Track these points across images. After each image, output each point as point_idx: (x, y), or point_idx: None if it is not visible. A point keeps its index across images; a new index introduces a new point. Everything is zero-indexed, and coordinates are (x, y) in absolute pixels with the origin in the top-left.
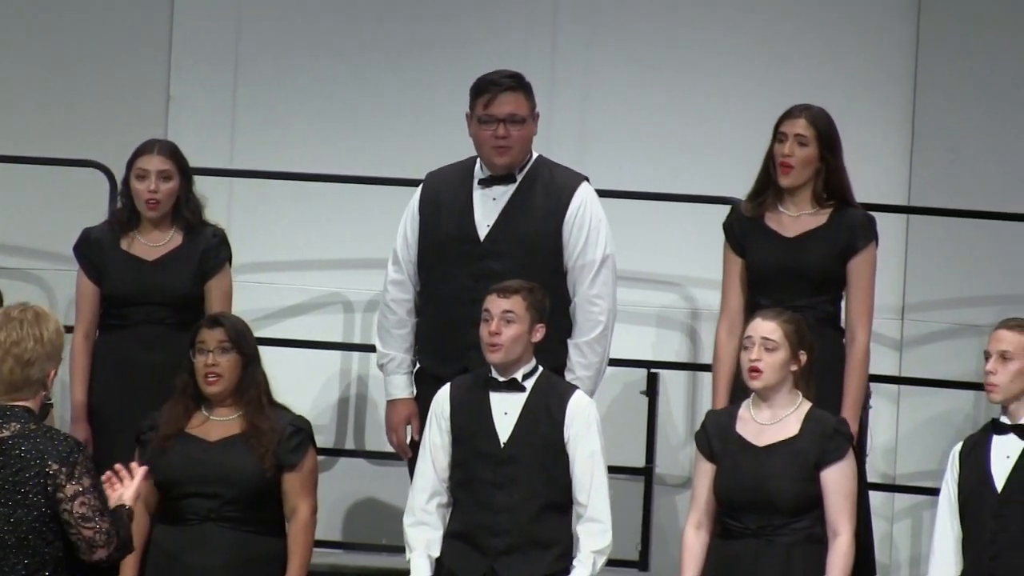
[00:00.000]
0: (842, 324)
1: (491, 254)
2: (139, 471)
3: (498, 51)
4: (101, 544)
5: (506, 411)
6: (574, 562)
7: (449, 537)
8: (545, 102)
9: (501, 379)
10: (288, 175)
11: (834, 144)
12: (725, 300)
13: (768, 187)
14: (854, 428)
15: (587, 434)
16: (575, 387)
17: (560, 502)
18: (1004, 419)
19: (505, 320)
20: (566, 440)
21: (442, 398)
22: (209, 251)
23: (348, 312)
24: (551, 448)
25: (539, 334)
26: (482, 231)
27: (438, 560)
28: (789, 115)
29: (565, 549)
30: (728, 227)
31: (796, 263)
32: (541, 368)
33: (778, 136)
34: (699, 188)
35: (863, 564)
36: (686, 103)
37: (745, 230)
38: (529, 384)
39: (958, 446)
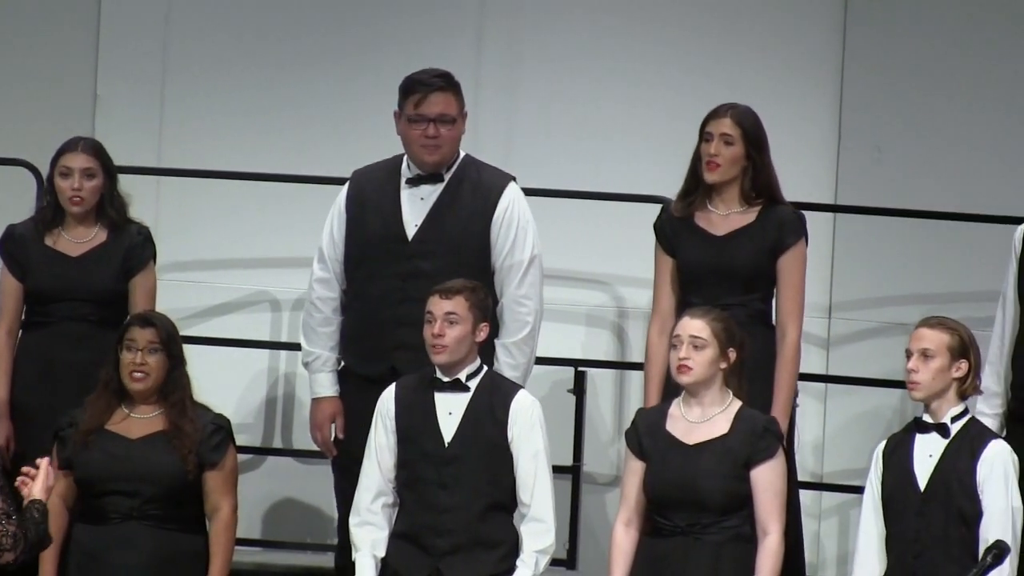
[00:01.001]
0: (773, 322)
1: (419, 254)
2: (43, 463)
3: (424, 50)
4: (7, 548)
5: (450, 411)
6: (517, 562)
7: (395, 537)
8: (471, 101)
9: (445, 379)
10: (215, 173)
11: (760, 142)
12: (657, 300)
13: (697, 187)
14: (784, 425)
15: (530, 434)
16: (519, 387)
17: (504, 502)
18: (926, 417)
19: (448, 321)
20: (510, 440)
21: (387, 398)
22: (133, 248)
23: (275, 311)
24: (495, 448)
25: (483, 333)
26: (410, 231)
27: (384, 560)
28: (715, 114)
29: (510, 549)
30: (658, 227)
31: (726, 262)
32: (486, 368)
33: (704, 136)
34: (626, 187)
35: (792, 563)
36: (613, 102)
37: (675, 230)
38: (473, 384)
39: (881, 444)
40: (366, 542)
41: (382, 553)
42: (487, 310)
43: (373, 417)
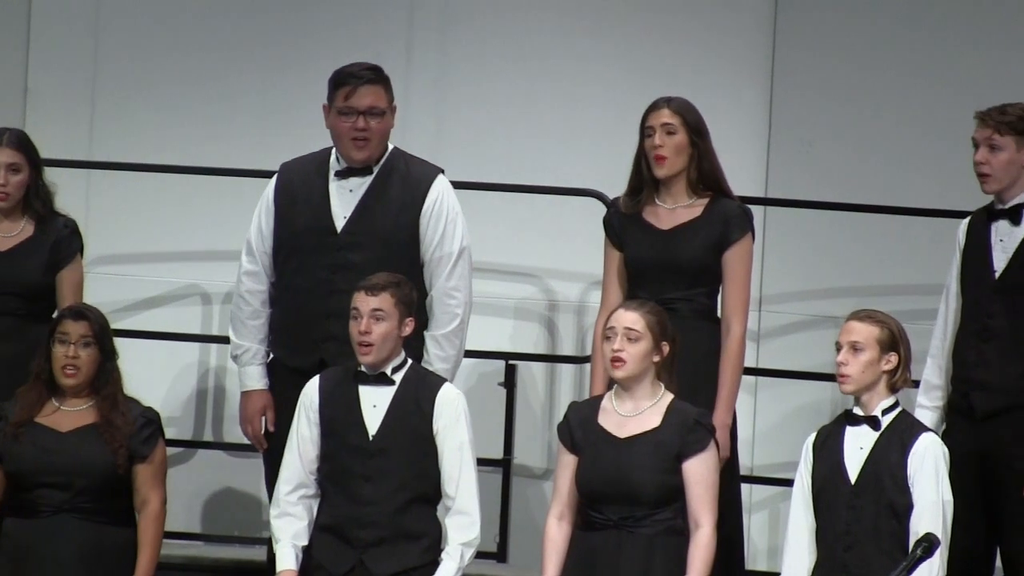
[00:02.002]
0: (719, 316)
1: (348, 246)
2: None
3: (353, 43)
4: None
5: (375, 404)
6: (442, 555)
7: (318, 530)
8: (401, 94)
9: (370, 372)
10: (146, 167)
11: (702, 129)
12: (605, 294)
13: (642, 186)
14: (729, 420)
15: (455, 427)
16: (444, 379)
17: (429, 494)
18: (857, 410)
19: (375, 318)
20: (435, 432)
21: (311, 390)
22: (60, 242)
23: (206, 304)
24: (420, 441)
25: (408, 328)
26: (339, 223)
27: (307, 552)
28: (653, 108)
29: (433, 541)
30: (607, 222)
31: (671, 256)
32: (410, 361)
33: (645, 131)
34: (556, 180)
35: (731, 556)
36: (542, 94)
37: (623, 224)
38: (398, 377)
39: (811, 437)
40: (287, 533)
41: (303, 543)
42: (412, 305)
43: (296, 409)
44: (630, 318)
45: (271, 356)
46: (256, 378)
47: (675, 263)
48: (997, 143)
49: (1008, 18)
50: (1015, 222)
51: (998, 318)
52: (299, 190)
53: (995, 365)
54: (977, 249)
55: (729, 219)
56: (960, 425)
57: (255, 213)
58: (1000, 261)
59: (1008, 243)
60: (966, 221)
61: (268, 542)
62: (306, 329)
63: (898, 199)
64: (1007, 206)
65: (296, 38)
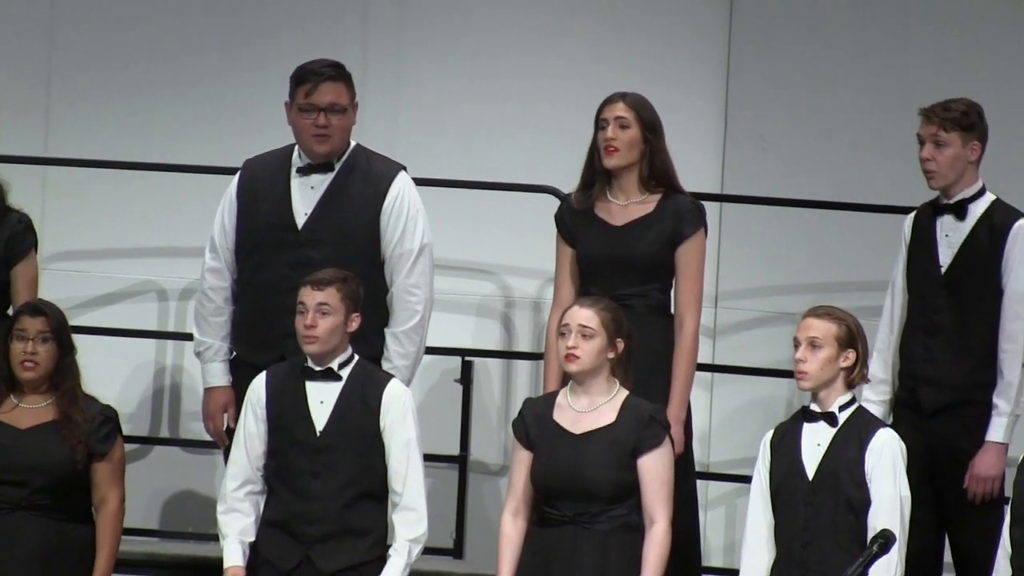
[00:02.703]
0: (673, 312)
1: (309, 243)
2: None
3: (311, 39)
4: None
5: (322, 400)
6: (390, 551)
7: (265, 525)
8: (357, 91)
9: (317, 368)
10: (102, 163)
11: (655, 126)
12: (557, 291)
13: (594, 179)
14: (683, 415)
15: (402, 423)
16: (391, 376)
17: (376, 491)
18: (814, 407)
19: (320, 312)
20: (381, 429)
21: (258, 387)
22: (14, 237)
23: (162, 300)
24: (367, 437)
25: (355, 323)
26: (300, 219)
27: (255, 548)
28: (608, 101)
29: (380, 537)
30: (559, 218)
31: (624, 252)
32: (357, 357)
33: (599, 123)
34: (514, 177)
35: (688, 552)
36: (501, 92)
37: (575, 220)
38: (345, 373)
39: (769, 434)
40: (234, 528)
41: (250, 539)
42: (359, 300)
43: (243, 405)
44: (584, 315)
45: (234, 353)
46: (219, 375)
47: (628, 259)
48: (942, 139)
49: (957, 16)
50: (960, 217)
51: (944, 313)
52: (261, 187)
53: (942, 360)
54: (923, 244)
55: (682, 215)
56: (907, 420)
57: (218, 210)
58: (946, 256)
59: (954, 238)
60: (911, 216)
61: None
62: (267, 326)
63: (853, 195)
64: (952, 201)
65: (253, 35)
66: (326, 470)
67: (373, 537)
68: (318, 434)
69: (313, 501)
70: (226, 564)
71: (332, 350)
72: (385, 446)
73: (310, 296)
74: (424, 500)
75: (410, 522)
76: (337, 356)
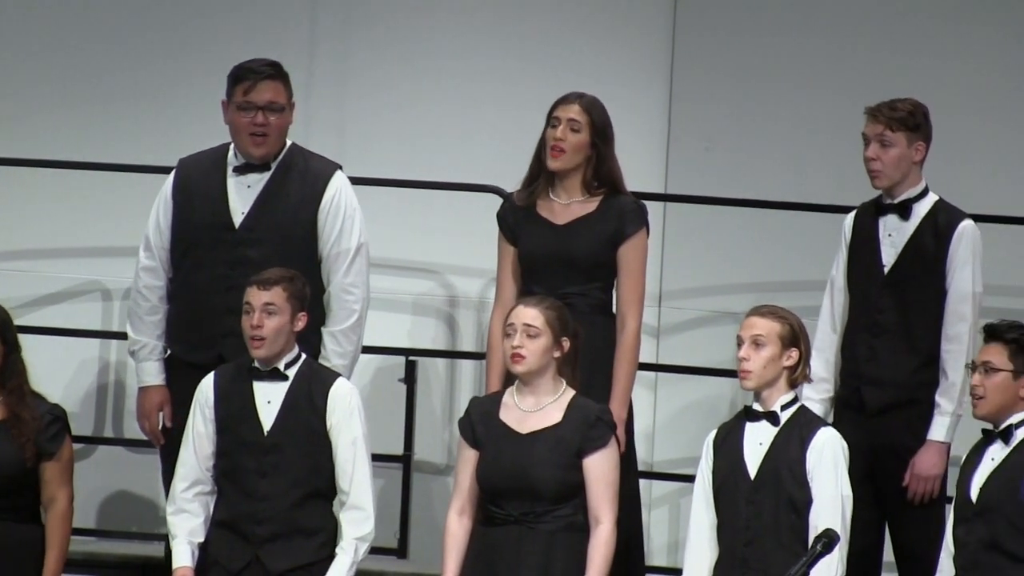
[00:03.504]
0: (614, 311)
1: (246, 242)
2: None
3: (254, 38)
4: None
5: (269, 400)
6: (337, 549)
7: (214, 526)
8: (302, 90)
9: (264, 368)
10: (44, 163)
11: (606, 133)
12: (499, 289)
13: (540, 174)
14: (624, 415)
15: (349, 422)
16: (337, 375)
17: (324, 490)
18: (756, 406)
19: (267, 312)
20: (328, 428)
21: (206, 387)
22: None
23: (106, 300)
24: (314, 436)
25: (301, 323)
26: (237, 219)
27: (204, 548)
28: (564, 100)
29: (329, 537)
30: (501, 216)
31: (566, 251)
32: (304, 356)
33: (551, 121)
34: (456, 176)
35: (631, 552)
36: (443, 92)
37: (517, 219)
38: (292, 373)
39: (712, 433)
40: (183, 529)
41: (199, 539)
42: (305, 300)
43: (191, 405)
44: (530, 314)
45: (168, 352)
46: (153, 374)
47: (570, 258)
48: (888, 139)
49: (900, 16)
50: (904, 217)
51: (888, 313)
52: (197, 186)
53: (886, 360)
54: (865, 243)
55: (624, 214)
56: (850, 419)
57: (153, 208)
58: (889, 256)
59: (897, 238)
60: (852, 215)
61: (167, 538)
62: (205, 325)
63: (796, 195)
64: (896, 201)
65: (197, 33)
66: (274, 470)
67: (322, 536)
68: (265, 434)
69: (261, 501)
70: (175, 565)
71: (279, 350)
72: (332, 445)
73: (256, 296)
74: (371, 498)
75: (357, 520)
76: (284, 356)
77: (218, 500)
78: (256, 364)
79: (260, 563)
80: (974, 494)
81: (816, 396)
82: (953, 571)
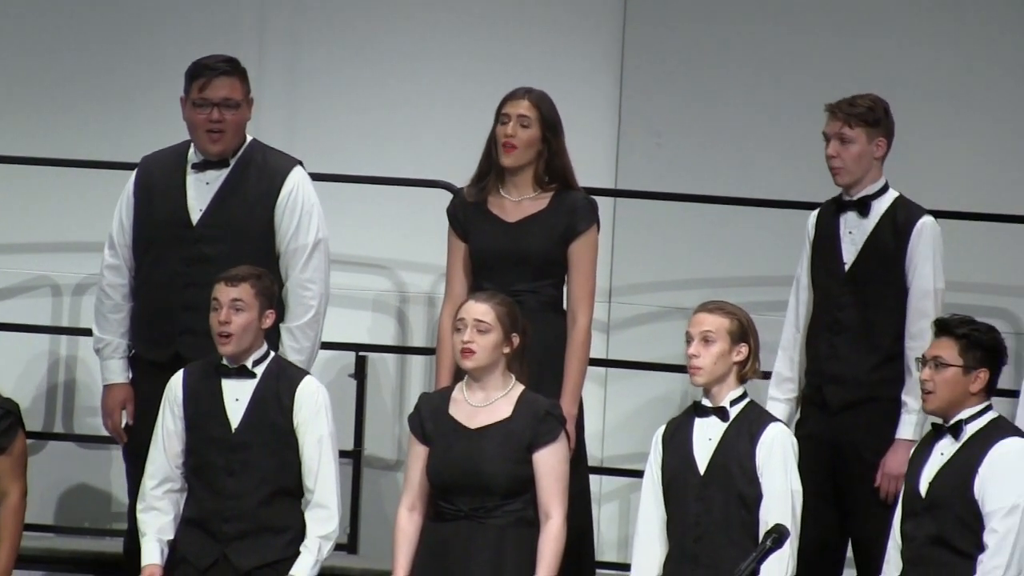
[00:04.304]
0: (565, 308)
1: (204, 239)
2: None
3: (208, 36)
4: None
5: (237, 397)
6: (300, 547)
7: (183, 523)
8: (253, 86)
9: (232, 366)
10: None
11: (556, 127)
12: (449, 285)
13: (490, 171)
14: (575, 411)
15: (315, 420)
16: (305, 372)
17: (292, 487)
18: (706, 401)
19: (234, 309)
20: (295, 426)
21: (175, 384)
22: None
23: (56, 295)
24: (281, 434)
25: (269, 320)
26: (195, 216)
27: (173, 545)
28: (512, 96)
29: (297, 534)
30: (451, 212)
31: (517, 248)
32: (273, 353)
33: (500, 118)
34: (410, 172)
35: (581, 547)
36: (393, 87)
37: (468, 215)
38: (260, 370)
39: (660, 429)
40: (152, 527)
41: (169, 537)
42: (273, 297)
43: (161, 403)
44: (480, 309)
45: (133, 350)
46: (117, 371)
47: (522, 255)
48: (848, 136)
49: (852, 11)
50: (863, 214)
51: (848, 310)
52: (157, 183)
53: (847, 357)
54: (827, 241)
55: (575, 210)
56: (814, 416)
57: (117, 206)
58: (849, 253)
59: (857, 235)
60: (815, 213)
61: (122, 534)
62: (162, 322)
63: (746, 190)
64: (855, 198)
65: (149, 29)
66: (242, 467)
67: (290, 534)
68: (233, 431)
69: (229, 499)
70: (143, 562)
71: (247, 347)
72: (299, 443)
73: (224, 292)
74: (336, 497)
75: (321, 519)
76: (252, 353)
77: (187, 497)
78: (224, 361)
79: (228, 561)
80: (923, 488)
81: (781, 396)
82: (900, 563)
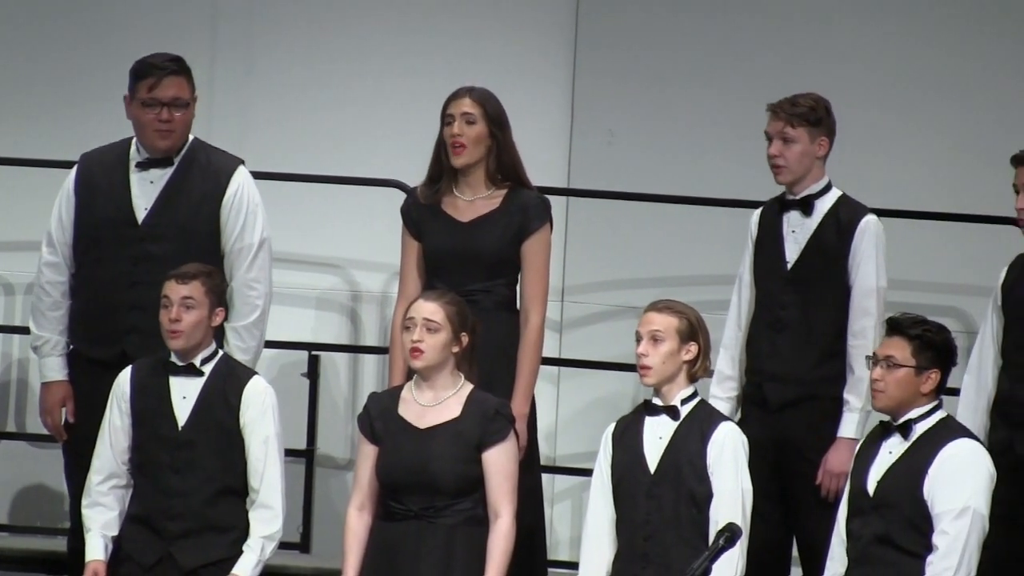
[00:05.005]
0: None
1: (149, 237)
2: None
3: (157, 34)
4: None
5: (184, 395)
6: (244, 547)
7: (128, 520)
8: (205, 84)
9: (180, 363)
10: None
11: (502, 121)
12: (403, 284)
13: (441, 174)
14: (527, 410)
15: (262, 420)
16: (254, 372)
17: (237, 487)
18: (656, 400)
19: (185, 306)
20: (241, 425)
21: (123, 380)
22: None
23: (8, 295)
24: (227, 433)
25: (219, 318)
26: (140, 214)
27: (117, 542)
28: (455, 96)
29: (241, 533)
30: (405, 212)
31: (471, 247)
32: (221, 352)
33: (445, 119)
34: (360, 171)
35: (533, 546)
36: (344, 86)
37: (421, 215)
38: (208, 369)
39: (610, 428)
40: (97, 522)
41: (113, 533)
42: (223, 295)
43: (108, 399)
44: (429, 308)
45: (71, 347)
46: (56, 369)
47: (475, 254)
48: (790, 135)
49: (802, 11)
50: (806, 213)
51: (790, 309)
52: (100, 181)
53: (788, 356)
54: (769, 240)
55: (527, 209)
56: (754, 415)
57: (55, 204)
58: (792, 252)
59: (800, 234)
60: (758, 212)
61: (69, 532)
62: (108, 321)
63: (699, 190)
64: (798, 197)
65: (98, 27)
66: (187, 466)
67: (235, 533)
68: (179, 429)
69: (174, 497)
70: (87, 558)
71: (196, 345)
72: (245, 442)
73: (174, 290)
74: (281, 498)
75: (265, 519)
76: (200, 351)
77: (132, 494)
78: (173, 359)
79: (172, 559)
80: (871, 487)
81: (723, 394)
82: (845, 559)
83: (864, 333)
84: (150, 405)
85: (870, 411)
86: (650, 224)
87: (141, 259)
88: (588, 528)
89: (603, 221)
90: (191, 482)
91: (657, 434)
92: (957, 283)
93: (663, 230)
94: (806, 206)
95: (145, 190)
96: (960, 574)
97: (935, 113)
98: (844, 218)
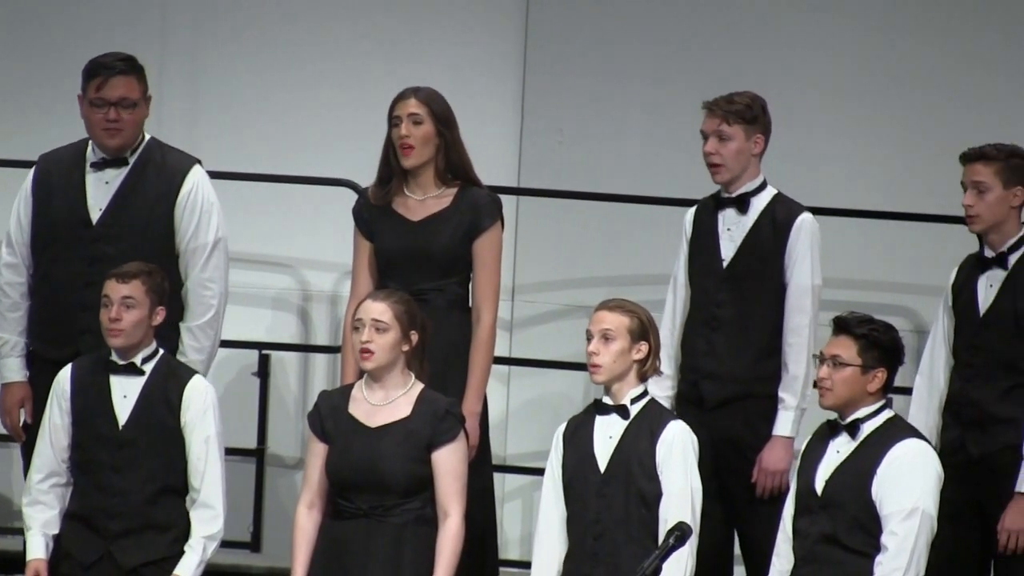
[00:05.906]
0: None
1: (104, 238)
2: None
3: (108, 33)
4: None
5: (125, 394)
6: (185, 547)
7: (68, 518)
8: (154, 83)
9: (121, 362)
10: None
11: (449, 119)
12: (355, 284)
13: (391, 175)
14: (478, 408)
15: (203, 419)
16: (194, 371)
17: (178, 486)
18: (607, 399)
19: (125, 305)
20: (182, 424)
21: (63, 379)
22: None
23: None
24: (168, 432)
25: (160, 317)
26: (94, 215)
27: (57, 540)
28: (400, 97)
29: (182, 533)
30: (356, 212)
31: (422, 246)
32: (162, 351)
33: (392, 121)
34: (312, 171)
35: (484, 545)
36: (296, 85)
37: (373, 215)
38: (148, 368)
39: (562, 427)
40: (37, 521)
41: (54, 531)
42: (164, 294)
43: (48, 397)
44: (377, 309)
45: (30, 348)
46: (15, 370)
47: (426, 254)
48: (726, 133)
49: (749, 9)
50: (742, 211)
51: (726, 307)
52: (56, 182)
53: (724, 354)
54: (705, 238)
55: (478, 207)
56: (690, 414)
57: (14, 205)
58: (728, 250)
59: (736, 232)
60: (692, 210)
61: (23, 532)
62: (62, 321)
63: (649, 189)
64: (734, 195)
65: (50, 29)
66: (127, 465)
67: (175, 532)
68: (120, 428)
69: (114, 495)
70: (28, 557)
71: (136, 344)
72: (185, 442)
73: (115, 289)
74: (222, 497)
75: (206, 519)
76: (141, 350)
77: (72, 493)
78: (113, 357)
79: (112, 557)
80: (819, 486)
81: (660, 393)
82: (791, 557)
83: (799, 331)
84: (90, 404)
85: (805, 409)
86: (601, 223)
87: (96, 260)
88: (540, 527)
89: (553, 220)
90: (131, 481)
91: (607, 433)
92: (907, 282)
93: (613, 229)
94: (742, 204)
95: (100, 190)
96: (909, 574)
97: (886, 110)
98: (780, 216)
